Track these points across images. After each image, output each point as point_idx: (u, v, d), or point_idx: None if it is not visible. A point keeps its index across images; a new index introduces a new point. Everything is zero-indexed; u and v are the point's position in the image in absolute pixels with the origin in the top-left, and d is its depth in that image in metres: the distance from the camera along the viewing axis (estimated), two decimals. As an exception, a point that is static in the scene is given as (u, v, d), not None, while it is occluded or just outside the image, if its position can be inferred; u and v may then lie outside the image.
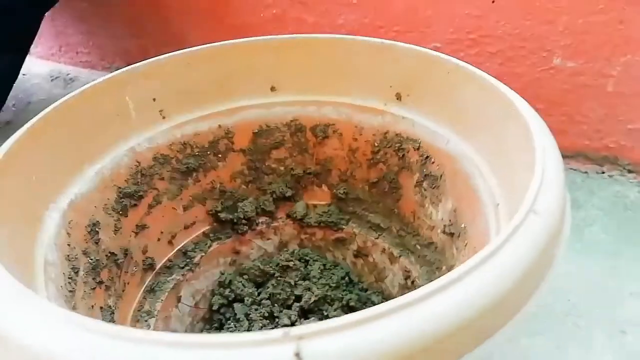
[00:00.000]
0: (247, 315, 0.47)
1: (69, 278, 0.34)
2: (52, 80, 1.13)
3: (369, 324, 0.18)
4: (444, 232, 0.41)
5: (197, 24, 0.87)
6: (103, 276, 0.38)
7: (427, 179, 0.43)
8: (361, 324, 0.18)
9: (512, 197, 0.30)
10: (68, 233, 0.35)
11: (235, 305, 0.48)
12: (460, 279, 0.21)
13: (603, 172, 0.67)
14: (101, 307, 0.37)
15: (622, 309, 0.52)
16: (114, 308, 0.39)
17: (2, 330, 0.20)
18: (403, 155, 0.44)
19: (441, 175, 0.41)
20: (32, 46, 1.06)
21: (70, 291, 0.33)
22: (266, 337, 0.18)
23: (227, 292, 0.48)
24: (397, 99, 0.43)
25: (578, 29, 0.59)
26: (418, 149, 0.43)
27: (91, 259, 0.37)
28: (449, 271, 0.41)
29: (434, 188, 0.42)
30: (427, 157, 0.42)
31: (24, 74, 1.11)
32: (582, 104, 0.63)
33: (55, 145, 0.36)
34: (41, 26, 0.87)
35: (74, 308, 0.33)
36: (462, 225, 0.38)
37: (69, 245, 0.35)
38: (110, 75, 0.40)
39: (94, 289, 0.37)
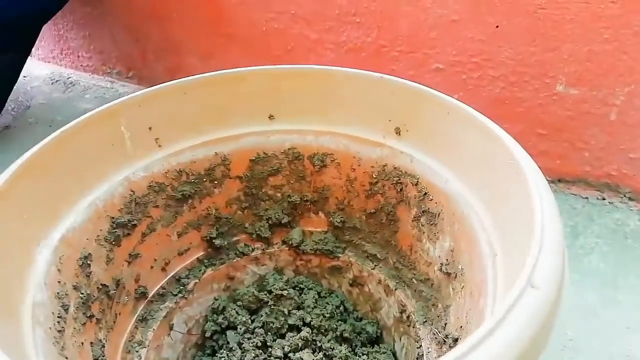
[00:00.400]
0: (240, 344, 0.46)
1: (58, 317, 0.33)
2: (52, 83, 1.12)
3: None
4: (440, 270, 0.41)
5: (196, 32, 0.87)
6: (94, 309, 0.38)
7: (425, 214, 0.42)
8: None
9: (511, 251, 0.30)
10: (59, 269, 0.35)
11: (228, 333, 0.47)
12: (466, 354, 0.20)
13: (604, 199, 0.67)
14: (91, 343, 0.37)
15: (620, 343, 0.51)
16: (104, 341, 0.38)
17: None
18: (401, 189, 0.44)
19: (439, 213, 0.40)
20: (34, 48, 1.06)
21: (59, 331, 0.33)
22: None
23: (220, 319, 0.48)
24: (397, 133, 0.43)
25: (582, 57, 0.58)
26: (416, 184, 0.42)
27: (82, 294, 0.37)
28: (444, 310, 0.41)
29: (431, 225, 0.42)
30: (426, 193, 0.41)
31: (24, 76, 1.11)
32: (584, 131, 0.63)
33: (49, 179, 0.35)
34: (43, 28, 0.86)
35: (62, 348, 0.32)
36: (460, 267, 0.38)
37: (59, 282, 0.34)
38: (105, 105, 0.40)
39: (84, 324, 0.36)
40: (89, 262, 0.38)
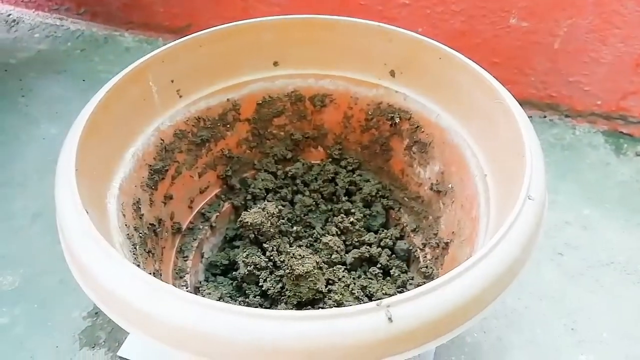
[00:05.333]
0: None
1: (133, 254, 0.39)
2: (-9, 21, 1.06)
3: (430, 294, 0.26)
4: (431, 189, 0.50)
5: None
6: (149, 246, 0.44)
7: (417, 144, 0.50)
8: (428, 293, 0.26)
9: (500, 172, 0.39)
10: (123, 214, 0.40)
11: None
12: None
13: (545, 117, 0.78)
14: (153, 273, 0.43)
15: (560, 235, 0.65)
16: (160, 271, 0.45)
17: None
18: (394, 123, 0.51)
19: (430, 143, 0.49)
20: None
21: (137, 266, 0.39)
22: (362, 309, 0.25)
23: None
24: (391, 75, 0.49)
25: (533, -6, 0.66)
26: (409, 119, 0.50)
27: (140, 233, 0.42)
28: (435, 221, 0.50)
29: (422, 152, 0.50)
30: (418, 126, 0.49)
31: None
32: (532, 59, 0.72)
33: (102, 139, 0.39)
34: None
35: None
36: (450, 185, 0.47)
37: (126, 225, 0.40)
38: (134, 64, 0.43)
39: (147, 258, 0.43)
40: (139, 206, 0.43)
